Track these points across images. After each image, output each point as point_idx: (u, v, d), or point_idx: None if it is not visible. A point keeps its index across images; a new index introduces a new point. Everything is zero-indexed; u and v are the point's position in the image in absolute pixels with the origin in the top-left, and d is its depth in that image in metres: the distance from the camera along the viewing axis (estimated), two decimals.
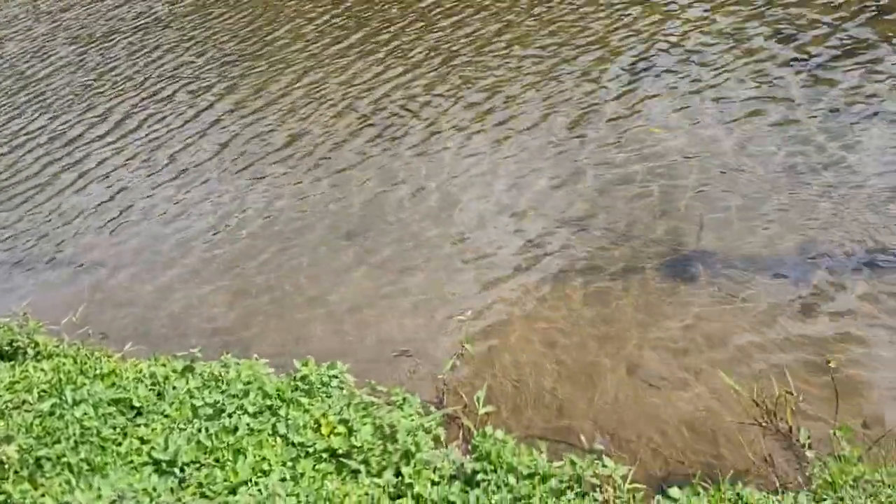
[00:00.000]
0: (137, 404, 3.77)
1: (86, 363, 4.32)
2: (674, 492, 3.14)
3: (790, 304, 4.35)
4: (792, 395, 3.64)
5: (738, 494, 3.02)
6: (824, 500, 2.91)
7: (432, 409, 4.02)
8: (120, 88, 10.00)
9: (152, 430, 3.56)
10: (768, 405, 3.64)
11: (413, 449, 3.39)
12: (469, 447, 3.58)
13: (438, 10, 9.81)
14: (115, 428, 3.63)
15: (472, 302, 4.94)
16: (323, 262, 5.71)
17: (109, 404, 3.81)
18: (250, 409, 3.58)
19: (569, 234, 5.34)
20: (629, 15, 8.27)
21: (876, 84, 6.06)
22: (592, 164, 6.01)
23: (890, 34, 6.67)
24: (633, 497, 3.15)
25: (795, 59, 6.69)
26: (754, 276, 4.60)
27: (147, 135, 8.52)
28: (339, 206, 6.34)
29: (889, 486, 2.87)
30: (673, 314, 4.47)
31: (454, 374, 4.37)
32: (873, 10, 7.07)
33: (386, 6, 10.39)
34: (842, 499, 2.88)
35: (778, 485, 3.26)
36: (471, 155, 6.57)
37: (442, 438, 3.70)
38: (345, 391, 3.84)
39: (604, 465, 3.20)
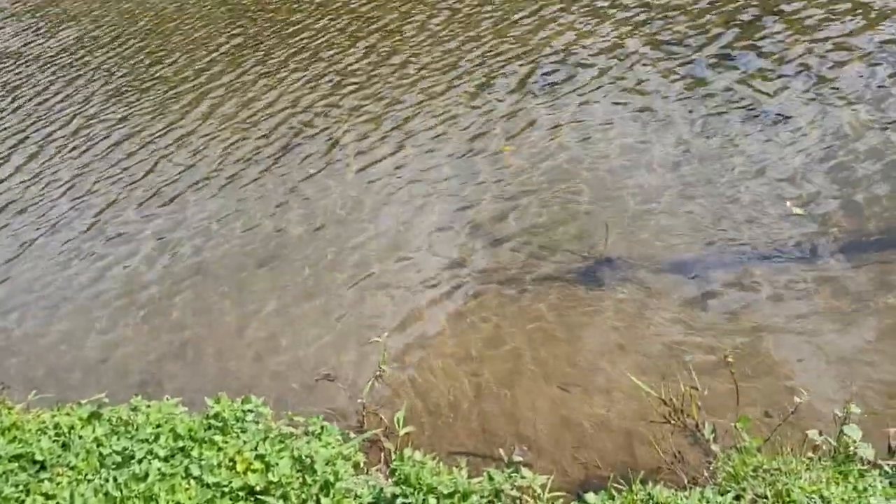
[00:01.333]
0: (41, 458, 3.59)
1: None
2: (590, 497, 3.21)
3: (690, 303, 4.54)
4: (697, 390, 3.78)
5: (649, 494, 3.11)
6: (728, 491, 3.03)
7: (352, 434, 4.00)
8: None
9: (57, 484, 3.41)
10: (675, 403, 3.77)
11: (332, 479, 3.35)
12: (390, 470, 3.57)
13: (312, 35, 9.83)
14: (17, 486, 3.45)
15: (386, 322, 4.94)
16: (233, 293, 5.58)
17: (10, 461, 3.62)
18: (161, 453, 3.47)
19: (475, 250, 5.41)
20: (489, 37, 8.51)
21: (751, 89, 6.40)
22: (492, 182, 6.13)
23: (759, 40, 7.07)
24: None
25: (676, 68, 7.00)
26: (655, 279, 4.77)
27: (37, 171, 8.13)
28: (244, 235, 6.22)
29: (786, 473, 3.02)
30: (583, 321, 4.59)
31: (374, 397, 4.35)
32: (740, 22, 7.48)
33: (277, 27, 10.36)
34: (744, 490, 3.00)
35: (686, 481, 3.39)
36: (365, 177, 6.60)
37: (363, 464, 3.68)
38: (261, 425, 3.76)
39: (522, 477, 3.25)
